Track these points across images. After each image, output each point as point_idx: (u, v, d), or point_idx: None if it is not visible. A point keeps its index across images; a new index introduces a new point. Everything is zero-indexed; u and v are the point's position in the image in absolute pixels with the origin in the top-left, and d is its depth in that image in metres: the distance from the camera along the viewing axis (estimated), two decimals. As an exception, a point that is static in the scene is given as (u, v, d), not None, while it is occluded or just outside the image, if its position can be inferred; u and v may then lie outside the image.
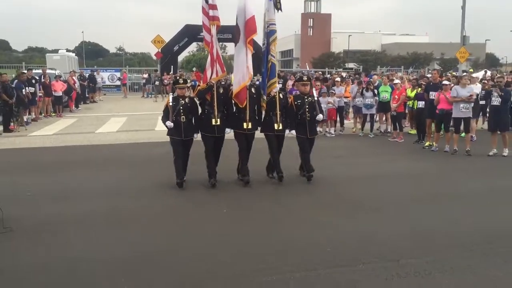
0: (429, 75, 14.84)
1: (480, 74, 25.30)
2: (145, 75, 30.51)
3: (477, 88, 13.08)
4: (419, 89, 12.35)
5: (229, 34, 33.51)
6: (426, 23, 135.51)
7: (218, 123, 7.75)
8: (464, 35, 28.03)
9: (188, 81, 13.43)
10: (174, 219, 6.21)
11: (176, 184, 7.54)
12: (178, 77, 10.34)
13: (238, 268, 4.61)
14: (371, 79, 15.50)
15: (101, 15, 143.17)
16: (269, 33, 8.05)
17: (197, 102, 7.95)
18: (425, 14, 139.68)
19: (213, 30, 7.80)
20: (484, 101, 13.76)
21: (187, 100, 7.79)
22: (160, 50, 30.27)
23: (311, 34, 77.34)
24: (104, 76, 30.08)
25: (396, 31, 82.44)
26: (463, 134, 11.19)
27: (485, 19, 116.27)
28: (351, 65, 57.63)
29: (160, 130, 14.43)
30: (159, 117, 17.05)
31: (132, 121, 16.74)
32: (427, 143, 11.71)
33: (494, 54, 75.83)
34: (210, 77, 7.71)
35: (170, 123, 7.53)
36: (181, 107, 7.60)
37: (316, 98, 8.41)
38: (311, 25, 78.12)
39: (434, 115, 11.21)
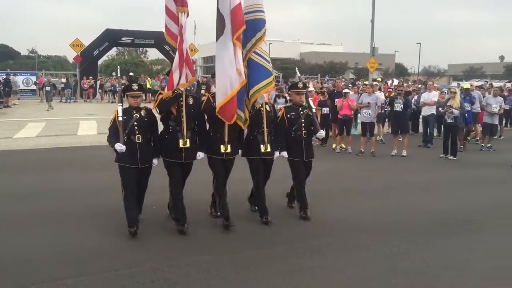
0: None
1: (389, 82, 27.63)
2: (63, 79, 29.68)
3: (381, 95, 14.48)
4: (322, 96, 13.47)
5: (151, 39, 33.65)
6: (341, 33, 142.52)
7: (188, 145, 5.78)
8: (374, 46, 30.23)
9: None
10: (95, 220, 6.32)
11: (129, 232, 5.64)
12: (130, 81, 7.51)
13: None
14: (283, 86, 16.48)
15: (10, 14, 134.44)
16: (256, 24, 6.07)
17: (158, 117, 5.97)
18: (340, 25, 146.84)
19: (183, 19, 5.78)
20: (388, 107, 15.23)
21: (143, 113, 5.76)
22: (79, 54, 29.56)
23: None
24: (18, 80, 28.84)
25: (314, 40, 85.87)
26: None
27: (394, 32, 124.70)
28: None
29: (82, 135, 14.48)
30: (80, 122, 17.47)
31: (51, 126, 16.39)
32: (334, 145, 12.81)
33: (403, 64, 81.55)
34: (178, 82, 5.75)
35: (121, 146, 5.48)
36: (135, 123, 5.66)
37: (314, 110, 6.79)
38: (233, 32, 79.33)
39: (337, 120, 12.34)
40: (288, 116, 6.54)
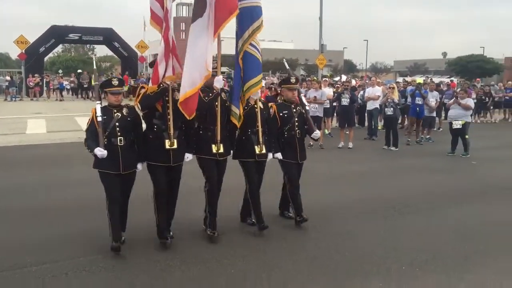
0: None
1: (337, 79, 28.64)
2: (8, 77, 28.75)
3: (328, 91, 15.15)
4: (270, 91, 13.94)
5: (100, 36, 33.10)
6: (291, 30, 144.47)
7: (175, 146, 5.16)
8: (322, 43, 31.15)
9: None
10: (49, 214, 6.49)
11: (111, 249, 5.01)
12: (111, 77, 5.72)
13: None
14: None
15: None
16: (253, 12, 5.55)
17: (140, 114, 5.28)
18: (290, 21, 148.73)
19: (169, 3, 5.21)
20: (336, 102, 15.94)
21: (125, 111, 5.10)
22: (23, 51, 28.68)
23: (183, 37, 77.96)
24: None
25: (265, 37, 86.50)
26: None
27: (343, 29, 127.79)
28: (224, 69, 59.55)
29: (31, 134, 14.26)
30: (28, 120, 17.15)
31: (-2, 125, 16.02)
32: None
33: (352, 61, 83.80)
34: (164, 75, 5.14)
35: (102, 151, 4.82)
36: (117, 123, 5.00)
37: (307, 108, 6.34)
38: (183, 29, 78.66)
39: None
40: (281, 114, 5.99)
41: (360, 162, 10.88)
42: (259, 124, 5.66)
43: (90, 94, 30.32)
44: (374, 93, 14.62)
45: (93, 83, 29.56)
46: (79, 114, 19.39)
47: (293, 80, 6.09)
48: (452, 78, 40.86)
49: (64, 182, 8.14)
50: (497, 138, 15.04)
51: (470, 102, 12.03)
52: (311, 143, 12.39)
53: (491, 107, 20.62)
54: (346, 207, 7.02)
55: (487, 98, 20.02)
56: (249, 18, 5.50)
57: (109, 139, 4.95)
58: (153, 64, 5.19)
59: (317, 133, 6.19)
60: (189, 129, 5.44)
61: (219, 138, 5.39)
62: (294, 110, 6.04)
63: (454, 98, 12.32)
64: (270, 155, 5.87)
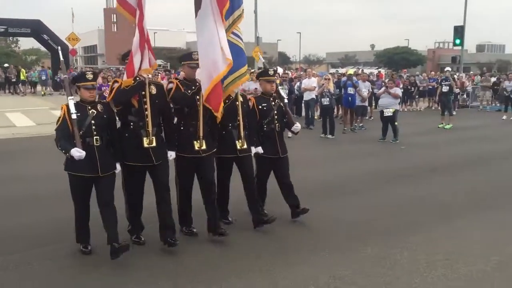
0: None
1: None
2: None
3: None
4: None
5: (27, 28, 31.53)
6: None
7: (154, 144, 4.83)
8: (258, 36, 31.66)
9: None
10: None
11: (82, 252, 4.90)
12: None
13: None
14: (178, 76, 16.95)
15: None
16: (232, 1, 5.31)
17: (114, 110, 4.88)
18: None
19: None
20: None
21: (99, 108, 4.64)
22: None
23: (115, 29, 75.81)
24: None
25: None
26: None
27: (276, 21, 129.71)
28: (158, 61, 58.62)
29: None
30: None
31: None
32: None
33: (285, 53, 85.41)
34: (140, 68, 4.77)
35: (80, 151, 4.33)
36: (93, 121, 4.54)
37: (286, 101, 6.15)
38: (115, 20, 76.60)
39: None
40: (260, 107, 5.76)
41: (300, 150, 11.38)
42: (240, 118, 5.46)
43: (18, 89, 29.06)
44: (310, 84, 15.26)
45: (22, 77, 28.55)
46: (9, 110, 18.65)
47: (271, 72, 5.94)
48: (380, 69, 42.98)
49: (12, 177, 8.04)
50: (423, 125, 16.21)
51: (398, 91, 13.01)
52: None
53: (417, 96, 22.09)
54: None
55: (412, 88, 21.42)
56: (230, 7, 5.27)
57: (84, 138, 4.47)
58: (126, 56, 4.87)
59: (297, 126, 6.03)
60: (168, 125, 5.12)
61: (201, 134, 5.09)
62: (273, 103, 5.85)
63: (384, 87, 13.22)
64: (253, 149, 5.67)
